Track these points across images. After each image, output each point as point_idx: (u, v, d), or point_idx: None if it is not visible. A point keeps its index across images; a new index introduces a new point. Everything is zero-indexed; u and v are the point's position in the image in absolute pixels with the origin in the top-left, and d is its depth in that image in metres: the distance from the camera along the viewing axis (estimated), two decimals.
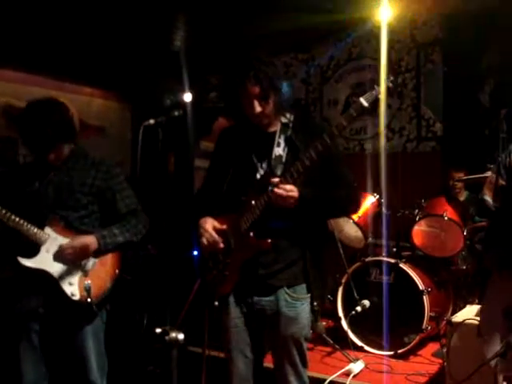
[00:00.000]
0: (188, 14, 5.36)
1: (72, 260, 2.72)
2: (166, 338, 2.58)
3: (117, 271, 2.86)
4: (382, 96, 2.15)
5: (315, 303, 2.43)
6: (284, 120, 2.45)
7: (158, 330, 2.59)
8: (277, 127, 2.45)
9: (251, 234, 2.39)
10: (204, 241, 2.49)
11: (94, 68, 5.37)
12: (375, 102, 2.15)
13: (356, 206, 2.60)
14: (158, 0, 5.01)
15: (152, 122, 2.94)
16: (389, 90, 2.18)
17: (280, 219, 2.31)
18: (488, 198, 2.26)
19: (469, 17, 5.66)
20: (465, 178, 4.90)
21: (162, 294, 4.06)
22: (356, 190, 2.56)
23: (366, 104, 2.13)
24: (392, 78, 2.20)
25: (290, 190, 2.24)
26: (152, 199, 3.08)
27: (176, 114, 3.00)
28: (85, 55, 5.24)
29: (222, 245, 2.47)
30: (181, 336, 2.60)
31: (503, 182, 2.21)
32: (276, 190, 2.25)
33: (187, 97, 5.86)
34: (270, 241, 2.35)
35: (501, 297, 2.18)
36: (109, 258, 2.84)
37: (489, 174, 2.30)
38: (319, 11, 5.34)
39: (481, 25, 5.50)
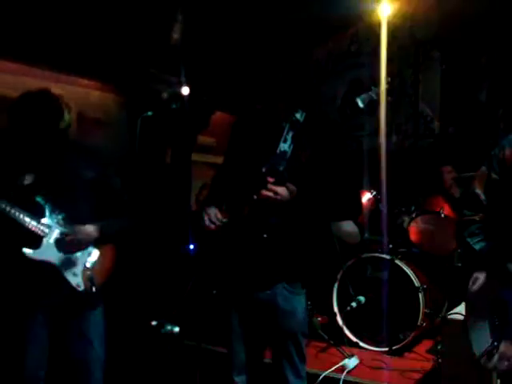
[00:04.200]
0: (187, 7, 5.34)
1: (75, 250, 2.72)
2: (162, 330, 2.59)
3: (114, 263, 2.87)
4: (382, 94, 2.16)
5: (309, 302, 2.44)
6: (295, 116, 2.44)
7: (154, 323, 2.60)
8: (287, 123, 2.44)
9: (247, 227, 2.39)
10: (205, 222, 2.49)
11: (91, 60, 5.34)
12: (371, 103, 2.16)
13: (357, 212, 2.60)
14: None
15: (150, 113, 2.93)
16: (387, 88, 2.19)
17: (278, 215, 2.31)
18: (479, 192, 2.25)
19: (468, 15, 5.66)
20: (459, 175, 4.91)
21: (158, 288, 4.07)
22: (357, 195, 2.57)
23: (361, 105, 2.15)
24: (389, 79, 2.21)
25: (279, 192, 2.24)
26: (149, 192, 3.08)
27: (174, 106, 3.00)
28: (82, 47, 5.20)
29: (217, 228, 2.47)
30: (176, 329, 2.61)
31: (496, 177, 2.21)
32: (264, 192, 2.25)
33: (185, 90, 5.84)
34: (265, 235, 2.35)
35: (487, 293, 2.18)
36: (107, 250, 2.85)
37: (482, 168, 2.29)
38: (317, 6, 5.33)
39: (480, 23, 5.49)
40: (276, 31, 5.03)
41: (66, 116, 2.76)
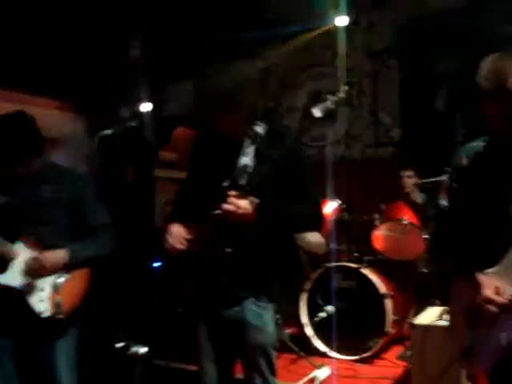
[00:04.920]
0: (147, 24, 5.33)
1: (41, 275, 2.65)
2: (128, 352, 2.54)
3: (88, 287, 2.80)
4: (340, 103, 2.17)
5: (277, 315, 2.43)
6: (255, 129, 2.43)
7: (119, 345, 2.54)
8: (247, 136, 2.43)
9: (212, 243, 2.37)
10: (167, 244, 2.46)
11: (49, 78, 5.27)
12: (328, 113, 2.16)
13: (319, 224, 2.59)
14: (115, 10, 4.95)
15: (108, 132, 2.90)
16: (345, 98, 2.21)
17: (243, 229, 2.29)
18: (443, 202, 2.29)
19: (425, 23, 5.77)
20: (419, 181, 4.98)
21: (123, 308, 4.00)
22: (320, 207, 2.56)
23: (317, 115, 2.15)
24: (346, 88, 2.22)
25: (241, 205, 2.23)
26: (111, 211, 3.03)
27: (133, 124, 2.97)
28: (39, 65, 5.14)
29: (183, 248, 2.44)
30: (143, 350, 2.55)
31: (455, 185, 2.25)
32: (225, 206, 2.24)
33: (145, 107, 5.81)
34: (228, 250, 2.33)
35: (461, 299, 2.22)
36: (80, 274, 2.78)
37: (444, 177, 2.33)
38: (276, 19, 5.37)
39: (436, 31, 5.60)
40: (232, 45, 5.06)
41: (42, 136, 2.73)
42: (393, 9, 6.08)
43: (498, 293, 1.99)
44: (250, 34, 5.54)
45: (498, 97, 1.95)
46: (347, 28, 5.84)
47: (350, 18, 5.64)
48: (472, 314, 2.14)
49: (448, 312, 2.42)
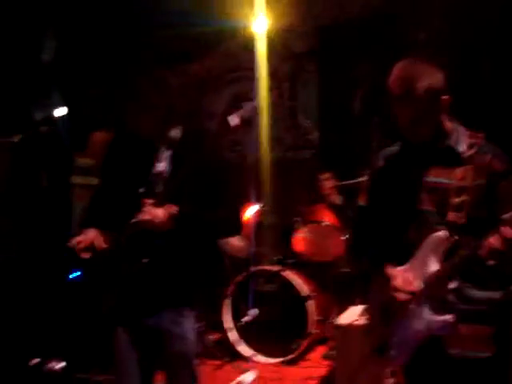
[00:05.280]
0: (61, 26, 5.15)
1: None
2: (44, 368, 2.43)
3: None
4: (256, 111, 2.17)
5: (199, 323, 2.39)
6: (172, 133, 2.38)
7: (35, 361, 2.43)
8: (163, 141, 2.37)
9: (128, 253, 2.30)
10: (83, 254, 2.37)
11: None
12: (244, 120, 2.16)
13: (238, 230, 2.58)
14: (28, 11, 4.76)
15: (18, 138, 2.76)
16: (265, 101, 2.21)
17: (159, 237, 2.24)
18: (361, 203, 2.35)
19: (343, 27, 5.89)
20: (337, 184, 5.08)
21: (39, 321, 3.82)
22: (239, 211, 2.55)
23: (233, 123, 2.15)
24: (266, 93, 2.22)
25: (157, 214, 2.18)
26: (25, 219, 2.88)
27: (44, 129, 2.84)
28: None
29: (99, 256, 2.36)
30: (60, 365, 2.46)
31: (374, 187, 2.32)
32: (141, 214, 2.19)
33: (60, 111, 5.61)
34: (145, 260, 2.27)
35: (377, 296, 2.27)
36: None
37: (363, 179, 2.39)
38: (195, 23, 5.33)
39: (354, 35, 5.73)
40: (148, 49, 4.98)
41: None
42: (311, 13, 6.17)
43: (406, 282, 2.06)
44: (168, 39, 5.49)
45: (407, 101, 2.01)
46: (267, 32, 5.88)
47: (269, 21, 5.68)
48: (385, 307, 2.21)
49: (366, 310, 2.47)
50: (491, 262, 1.86)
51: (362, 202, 2.36)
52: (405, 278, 2.07)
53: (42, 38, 5.28)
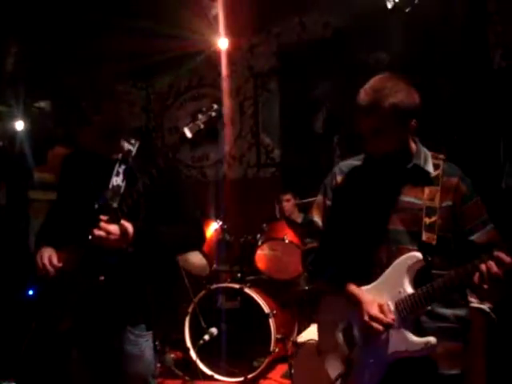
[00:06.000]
0: (19, 38, 5.08)
1: None
2: None
3: None
4: (210, 123, 2.16)
5: (157, 342, 2.34)
6: (126, 147, 2.34)
7: None
8: (118, 155, 2.33)
9: (83, 270, 2.24)
10: (38, 272, 2.31)
11: None
12: (198, 133, 2.15)
13: (200, 243, 2.53)
14: None
15: None
16: (215, 116, 2.19)
17: (115, 254, 2.19)
18: (317, 220, 2.32)
19: (303, 47, 5.97)
20: (299, 201, 5.11)
21: None
22: (201, 225, 2.50)
23: (189, 135, 2.13)
24: (216, 107, 2.20)
25: (112, 231, 2.13)
26: None
27: (2, 143, 2.77)
28: None
29: (53, 276, 2.29)
30: None
31: (329, 203, 2.29)
32: (96, 232, 2.12)
33: (19, 125, 5.51)
34: (102, 278, 2.22)
35: (335, 315, 2.24)
36: None
37: (318, 197, 2.37)
38: (157, 38, 5.32)
39: (315, 55, 5.81)
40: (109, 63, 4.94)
41: None
42: (273, 34, 6.25)
43: (382, 311, 2.03)
44: (133, 56, 5.47)
45: (371, 113, 1.99)
46: (229, 51, 5.92)
47: (232, 41, 5.72)
48: (348, 329, 2.18)
49: (317, 330, 2.44)
50: (485, 287, 1.85)
51: (316, 217, 2.32)
52: (379, 306, 2.04)
53: (0, 52, 5.20)
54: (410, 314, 2.00)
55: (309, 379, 3.21)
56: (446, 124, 4.69)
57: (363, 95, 2.02)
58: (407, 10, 4.31)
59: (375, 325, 2.02)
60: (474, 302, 3.07)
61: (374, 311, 2.03)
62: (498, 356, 3.10)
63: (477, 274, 1.86)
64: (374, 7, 4.50)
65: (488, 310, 3.15)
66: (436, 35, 4.82)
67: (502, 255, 1.83)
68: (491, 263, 1.84)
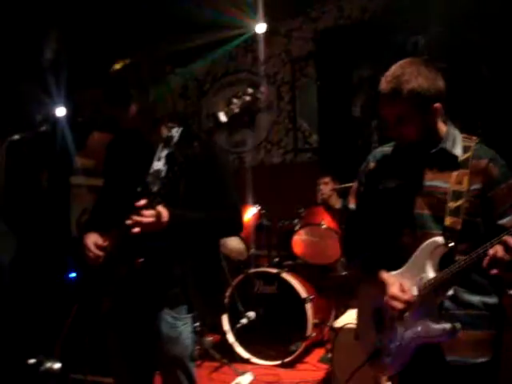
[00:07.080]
0: (62, 26, 5.16)
1: None
2: (41, 368, 2.42)
3: None
4: (245, 107, 2.15)
5: (197, 324, 2.36)
6: (169, 133, 2.36)
7: (32, 361, 2.42)
8: (161, 140, 2.36)
9: (123, 253, 2.29)
10: (86, 257, 2.36)
11: None
12: (234, 117, 2.14)
13: (238, 230, 2.54)
14: (29, 11, 4.76)
15: (16, 137, 2.75)
16: (250, 101, 2.18)
17: (156, 238, 2.22)
18: (352, 206, 2.32)
19: (341, 32, 5.92)
20: (336, 187, 5.08)
21: (36, 321, 3.82)
22: (239, 211, 2.51)
23: (223, 119, 2.13)
24: (251, 91, 2.19)
25: (148, 215, 2.16)
26: (24, 219, 2.88)
27: (43, 129, 2.83)
28: None
29: (100, 260, 2.34)
30: (57, 365, 2.45)
31: (362, 189, 2.29)
32: (134, 216, 2.15)
33: (60, 111, 5.61)
34: (140, 260, 2.25)
35: (369, 300, 2.25)
36: None
37: (354, 183, 2.37)
38: (195, 24, 5.35)
39: (352, 40, 5.76)
40: (151, 48, 4.98)
41: None
42: (311, 18, 6.20)
43: (402, 290, 2.03)
44: (170, 42, 5.49)
45: (392, 100, 1.98)
46: (266, 36, 5.91)
47: (269, 26, 5.71)
48: (378, 314, 2.19)
49: (356, 314, 2.45)
50: (494, 272, 1.80)
51: (351, 204, 2.33)
52: (400, 285, 2.04)
53: (42, 39, 5.29)
54: (433, 298, 1.99)
55: (348, 363, 3.22)
56: (485, 107, 4.62)
57: (384, 83, 2.00)
58: None
59: (395, 303, 2.02)
60: None
61: (395, 290, 2.03)
62: None
63: (486, 259, 1.81)
64: None
65: None
66: (476, 19, 4.71)
67: (511, 240, 1.77)
68: (499, 248, 1.78)
